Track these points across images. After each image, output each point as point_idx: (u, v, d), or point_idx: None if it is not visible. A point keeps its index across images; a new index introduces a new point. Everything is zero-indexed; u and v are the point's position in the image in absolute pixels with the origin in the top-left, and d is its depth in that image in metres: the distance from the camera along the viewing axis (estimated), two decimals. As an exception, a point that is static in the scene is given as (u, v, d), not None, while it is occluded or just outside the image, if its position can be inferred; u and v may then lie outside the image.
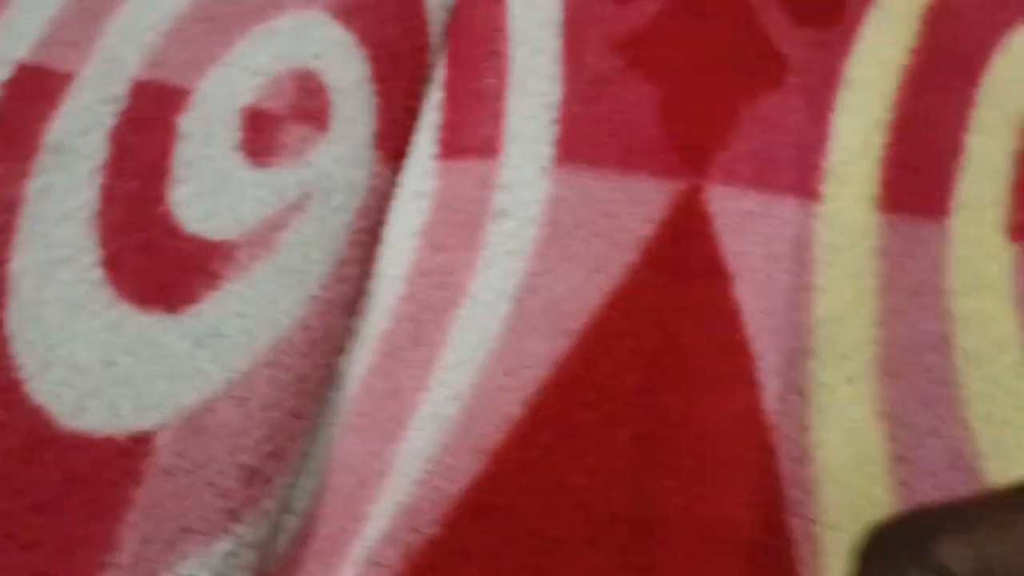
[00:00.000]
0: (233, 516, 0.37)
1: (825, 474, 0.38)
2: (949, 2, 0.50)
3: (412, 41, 0.51)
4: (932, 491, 0.38)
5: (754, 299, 0.41)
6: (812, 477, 0.38)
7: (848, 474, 0.38)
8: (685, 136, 0.46)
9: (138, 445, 0.37)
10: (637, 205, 0.45)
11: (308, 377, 0.41)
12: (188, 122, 0.45)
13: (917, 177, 0.45)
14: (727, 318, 0.41)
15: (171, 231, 0.42)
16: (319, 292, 0.43)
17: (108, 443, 0.37)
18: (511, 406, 0.40)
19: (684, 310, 0.42)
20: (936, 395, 0.40)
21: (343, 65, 0.48)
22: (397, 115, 0.49)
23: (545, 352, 0.41)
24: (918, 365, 0.40)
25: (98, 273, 0.41)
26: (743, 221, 0.44)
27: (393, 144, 0.48)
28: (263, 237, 0.43)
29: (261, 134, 0.46)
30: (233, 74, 0.47)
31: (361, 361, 0.42)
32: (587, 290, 0.42)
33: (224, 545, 0.37)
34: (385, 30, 0.50)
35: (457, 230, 0.45)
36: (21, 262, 0.41)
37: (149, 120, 0.45)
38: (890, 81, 0.48)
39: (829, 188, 0.45)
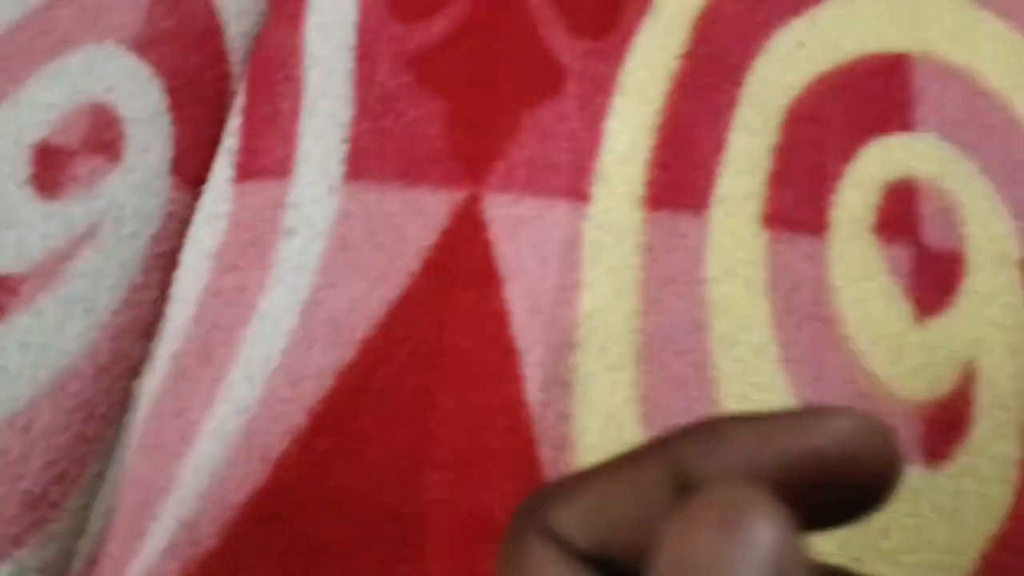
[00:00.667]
0: (15, 541, 0.38)
1: (584, 458, 0.40)
2: (717, 9, 0.54)
3: (212, 70, 0.53)
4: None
5: (522, 299, 0.44)
6: (571, 462, 0.40)
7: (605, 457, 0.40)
8: (467, 147, 0.49)
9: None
10: (420, 216, 0.47)
11: (98, 402, 0.42)
12: (-24, 161, 0.46)
13: (681, 175, 0.48)
14: (496, 319, 0.43)
15: (-44, 268, 0.43)
16: (109, 319, 0.44)
17: None
18: (294, 417, 0.42)
19: (458, 314, 0.44)
20: (690, 377, 0.43)
21: (137, 97, 0.50)
22: (196, 142, 0.51)
23: (328, 363, 0.43)
24: (674, 350, 0.43)
25: None
26: (516, 226, 0.46)
27: (192, 170, 0.50)
28: (50, 268, 0.44)
29: (51, 168, 0.47)
30: (23, 111, 0.48)
31: (152, 382, 0.44)
32: (370, 301, 0.44)
33: (6, 569, 0.38)
34: (183, 60, 0.52)
35: (248, 250, 0.47)
36: None
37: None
38: (660, 86, 0.51)
39: (599, 190, 0.47)
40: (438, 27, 0.53)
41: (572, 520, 0.22)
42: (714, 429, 0.22)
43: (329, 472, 0.41)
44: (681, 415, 0.42)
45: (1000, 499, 0.40)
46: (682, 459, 0.22)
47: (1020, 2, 0.55)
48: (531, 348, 0.42)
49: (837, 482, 0.21)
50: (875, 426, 0.21)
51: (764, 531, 0.18)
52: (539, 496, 0.24)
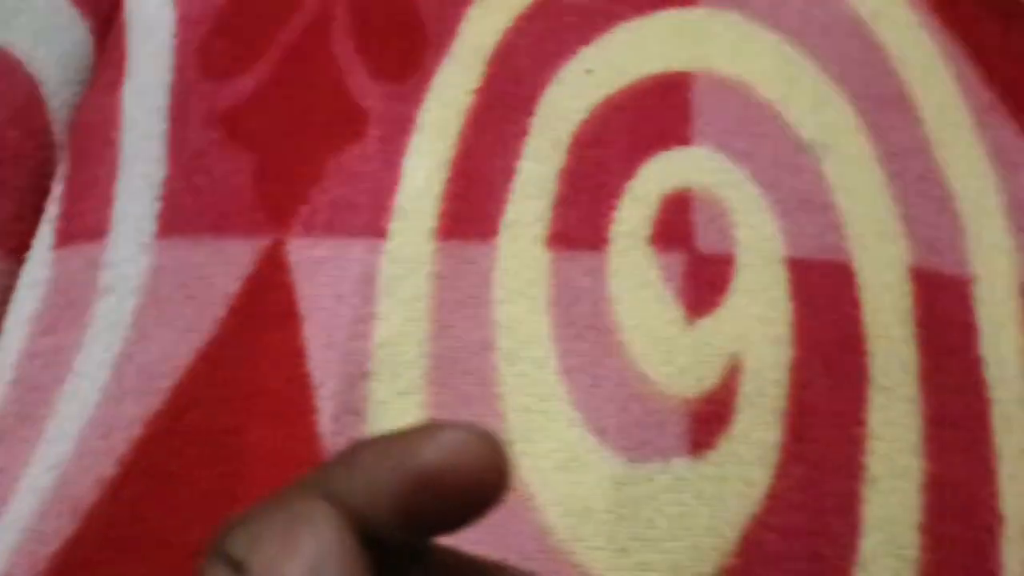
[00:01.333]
0: None
1: (377, 480, 0.43)
2: (511, 44, 0.57)
3: (33, 141, 0.55)
4: (468, 479, 0.43)
5: (318, 335, 0.47)
6: (363, 485, 0.43)
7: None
8: (273, 196, 0.52)
9: None
10: (227, 265, 0.50)
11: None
12: None
13: (471, 205, 0.51)
14: (295, 356, 0.46)
15: None
16: (-70, 390, 0.46)
17: None
18: (105, 467, 0.44)
19: (263, 355, 0.47)
20: (476, 395, 0.46)
21: (-42, 173, 0.52)
22: (20, 213, 0.53)
23: (138, 412, 0.46)
24: (462, 371, 0.46)
25: None
26: (317, 267, 0.49)
27: (16, 241, 0.52)
28: None
29: None
30: None
31: (-24, 447, 0.46)
32: (179, 350, 0.47)
33: None
34: (3, 133, 0.54)
35: (66, 312, 0.49)
36: None
37: None
38: (455, 122, 0.54)
39: (396, 225, 0.51)
40: (247, 84, 0.56)
41: (236, 539, 0.25)
42: (350, 453, 0.25)
43: (140, 516, 0.43)
44: (467, 431, 0.45)
45: (760, 481, 0.44)
46: (329, 483, 0.25)
47: (792, 17, 0.59)
48: (325, 381, 0.45)
49: (447, 491, 0.24)
50: (479, 437, 0.25)
51: (312, 539, 0.21)
52: (224, 525, 0.27)
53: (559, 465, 0.44)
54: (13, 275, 0.51)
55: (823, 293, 0.49)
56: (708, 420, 0.45)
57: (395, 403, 0.46)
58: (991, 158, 0.53)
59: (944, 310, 0.48)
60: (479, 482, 0.25)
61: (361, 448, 0.25)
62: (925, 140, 0.54)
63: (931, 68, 0.57)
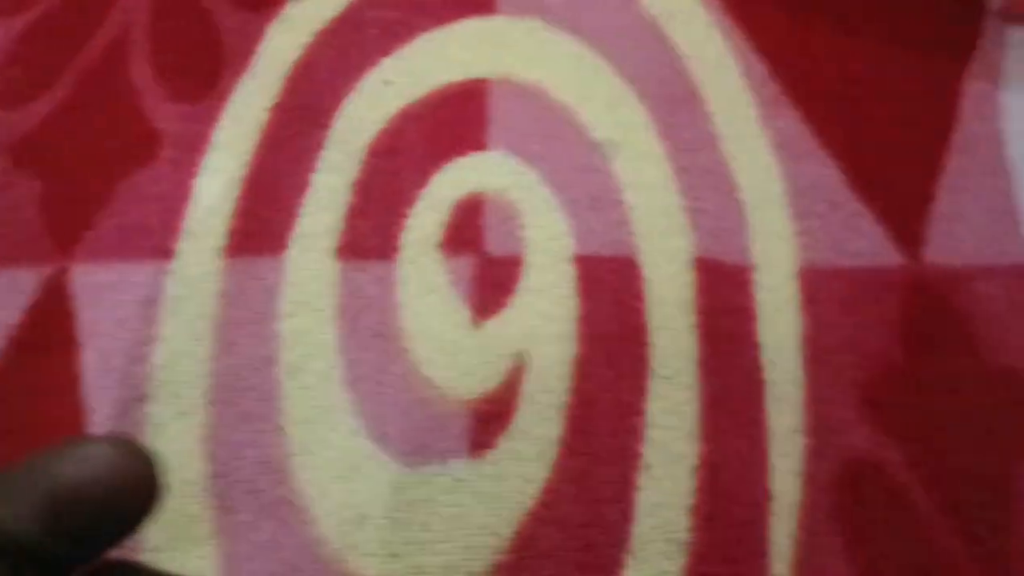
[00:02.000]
0: None
1: (152, 503, 0.43)
2: (311, 59, 0.58)
3: None
4: (246, 497, 0.43)
5: (96, 361, 0.46)
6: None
7: (175, 497, 0.43)
8: (59, 223, 0.51)
9: None
10: (13, 295, 0.49)
11: None
12: None
13: (262, 221, 0.51)
14: (70, 384, 0.46)
15: None
16: None
17: None
18: None
19: (40, 385, 0.46)
20: (257, 411, 0.46)
21: None
22: None
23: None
24: (243, 387, 0.46)
25: None
26: (99, 293, 0.49)
27: None
28: None
29: None
30: None
31: None
32: (-43, 384, 0.46)
33: None
34: None
35: None
36: None
37: None
38: (250, 139, 0.54)
39: (184, 245, 0.50)
40: (39, 111, 0.55)
41: None
42: (6, 473, 0.25)
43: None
44: (247, 447, 0.45)
45: (537, 477, 0.44)
46: None
47: (590, 21, 0.60)
48: (99, 407, 0.45)
49: (90, 505, 0.24)
50: (123, 449, 0.25)
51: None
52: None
53: (338, 475, 0.44)
54: None
55: (609, 288, 0.50)
56: (488, 420, 0.46)
57: (173, 424, 0.45)
58: (775, 148, 0.55)
59: (724, 298, 0.50)
60: (123, 494, 0.25)
61: (14, 468, 0.25)
62: (713, 135, 0.56)
63: (721, 65, 0.58)
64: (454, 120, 0.56)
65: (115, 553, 0.25)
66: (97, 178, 0.53)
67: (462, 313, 0.49)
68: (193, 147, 0.54)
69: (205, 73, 0.57)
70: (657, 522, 0.43)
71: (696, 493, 0.44)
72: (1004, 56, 0.59)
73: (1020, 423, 0.46)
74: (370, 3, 0.60)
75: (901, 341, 0.48)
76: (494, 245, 0.51)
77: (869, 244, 0.52)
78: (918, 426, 0.46)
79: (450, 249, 0.51)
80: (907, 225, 0.52)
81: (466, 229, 0.52)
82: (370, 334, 0.48)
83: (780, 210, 0.53)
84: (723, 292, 0.50)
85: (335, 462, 0.44)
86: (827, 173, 0.54)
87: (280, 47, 0.58)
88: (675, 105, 0.57)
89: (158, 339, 0.47)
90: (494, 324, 0.49)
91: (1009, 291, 0.50)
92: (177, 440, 0.45)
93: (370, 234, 0.51)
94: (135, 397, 0.45)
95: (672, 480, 0.44)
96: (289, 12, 0.60)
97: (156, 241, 0.51)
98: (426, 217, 0.52)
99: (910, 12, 0.61)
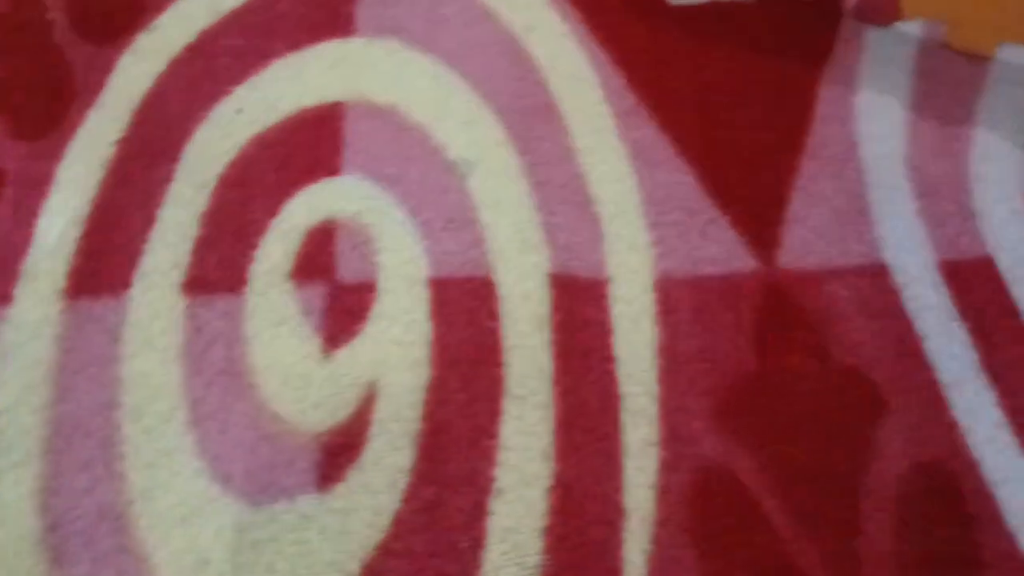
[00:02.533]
0: None
1: (-17, 561, 0.41)
2: (162, 90, 0.56)
3: None
4: (82, 549, 0.42)
5: (-76, 416, 0.45)
6: (-34, 569, 0.41)
7: (5, 554, 0.42)
8: None
9: None
10: None
11: None
12: None
13: (103, 261, 0.50)
14: None
15: None
16: None
17: None
18: None
19: None
20: (96, 458, 0.44)
21: None
22: None
23: None
24: (82, 433, 0.45)
25: None
26: (-68, 342, 0.47)
27: None
28: None
29: None
30: None
31: None
32: None
33: None
34: None
35: None
36: None
37: None
38: (94, 176, 0.53)
39: (23, 289, 0.49)
40: None
41: None
42: None
43: None
44: (85, 496, 0.43)
45: (387, 508, 0.43)
46: None
47: (449, 39, 0.60)
48: (-74, 464, 0.43)
49: None
50: None
51: None
52: None
53: (180, 519, 0.43)
54: None
55: (464, 310, 0.49)
56: (338, 452, 0.45)
57: (8, 475, 0.43)
58: (632, 158, 0.55)
59: (580, 313, 0.49)
60: None
61: None
62: (570, 148, 0.55)
63: (579, 77, 0.58)
64: (308, 146, 0.55)
65: None
66: (-68, 224, 0.51)
67: (312, 344, 0.48)
68: (35, 186, 0.52)
69: (51, 108, 0.56)
70: (509, 547, 0.43)
71: (549, 515, 0.44)
72: (860, 58, 0.60)
73: (866, 422, 0.46)
74: (223, 31, 0.59)
75: (754, 347, 0.49)
76: (346, 272, 0.50)
77: (724, 250, 0.52)
78: (769, 432, 0.46)
79: (301, 278, 0.50)
80: (762, 230, 0.53)
81: (318, 257, 0.51)
82: (216, 371, 0.47)
83: (637, 221, 0.53)
84: (579, 307, 0.50)
85: (176, 507, 0.43)
86: (684, 181, 0.54)
87: (130, 79, 0.57)
88: (532, 119, 0.56)
89: (-9, 389, 0.46)
90: (345, 353, 0.48)
91: (858, 291, 0.50)
92: (13, 491, 0.43)
93: (218, 267, 0.50)
94: (-36, 452, 0.44)
95: (525, 503, 0.44)
96: (140, 43, 0.59)
97: (-7, 286, 0.49)
98: (276, 247, 0.51)
99: (767, 18, 0.61)
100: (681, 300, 0.50)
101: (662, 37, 0.60)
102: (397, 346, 0.48)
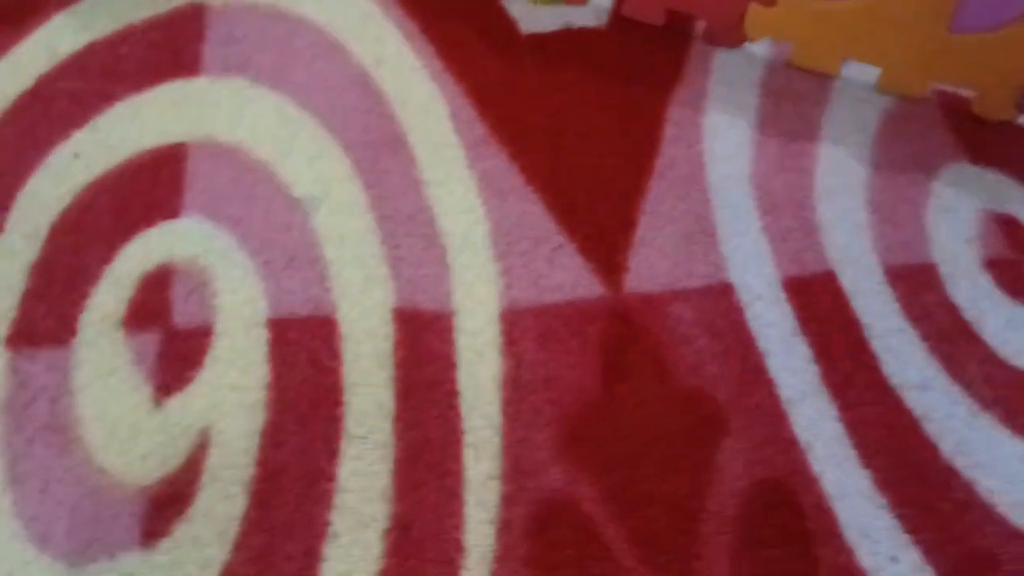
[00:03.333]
0: None
1: None
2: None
3: None
4: None
5: None
6: None
7: None
8: None
9: None
10: None
11: None
12: None
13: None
14: None
15: None
16: None
17: None
18: None
19: None
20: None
21: None
22: None
23: None
24: None
25: None
26: None
27: None
28: None
29: None
30: None
31: None
32: None
33: None
34: None
35: None
36: None
37: None
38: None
39: None
40: None
41: None
42: None
43: None
44: None
45: (216, 561, 0.42)
46: None
47: (297, 74, 0.59)
48: None
49: None
50: None
51: None
52: None
53: (-8, 586, 0.41)
54: None
55: (304, 350, 0.48)
56: (165, 505, 0.43)
57: None
58: (480, 189, 0.55)
59: (424, 348, 0.49)
60: None
61: None
62: (418, 180, 0.55)
63: (429, 109, 0.58)
64: (147, 189, 0.54)
65: None
66: None
67: (143, 393, 0.46)
68: None
69: None
70: (342, 593, 0.42)
71: (385, 557, 0.43)
72: (708, 80, 0.60)
73: (707, 444, 0.46)
74: (63, 74, 0.58)
75: (599, 373, 0.48)
76: (182, 317, 0.49)
77: (571, 277, 0.52)
78: (612, 459, 0.46)
79: (134, 326, 0.48)
80: (609, 255, 0.53)
81: (153, 303, 0.49)
82: (38, 426, 0.45)
83: (484, 252, 0.52)
84: (423, 342, 0.49)
85: (-11, 573, 0.41)
86: (532, 210, 0.54)
87: (-39, 129, 0.55)
88: (380, 153, 0.56)
89: None
90: (177, 401, 0.46)
91: (703, 312, 0.50)
92: None
93: (46, 318, 0.48)
94: None
95: (361, 546, 0.43)
96: (-27, 92, 0.57)
97: None
98: (109, 294, 0.49)
99: (618, 44, 0.62)
100: (527, 330, 0.50)
101: (514, 67, 0.60)
102: (232, 391, 0.47)
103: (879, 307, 0.51)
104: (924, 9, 0.54)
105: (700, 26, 0.63)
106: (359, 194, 0.54)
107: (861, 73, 0.60)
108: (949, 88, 0.59)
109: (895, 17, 0.55)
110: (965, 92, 0.59)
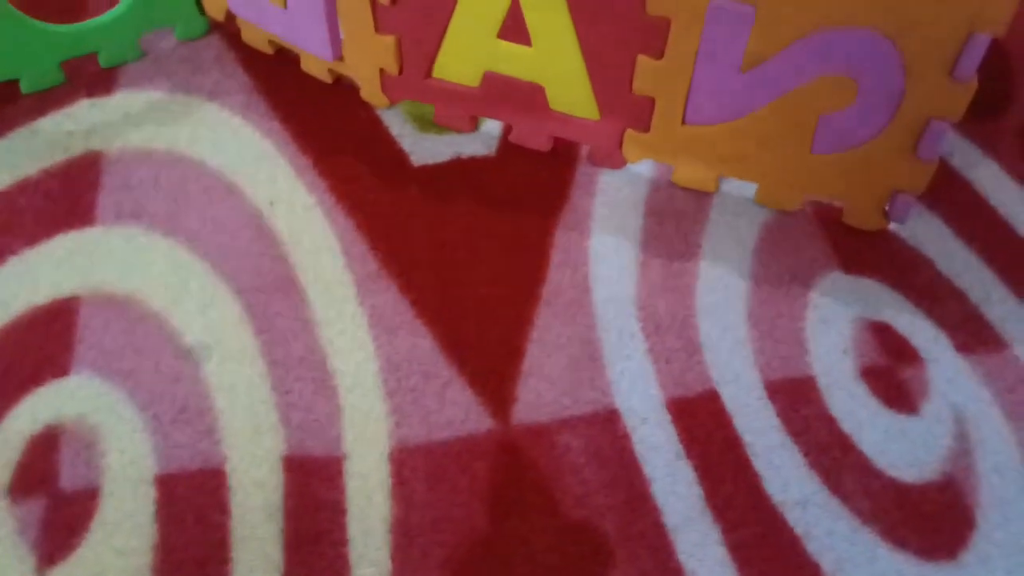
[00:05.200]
0: None
1: None
2: None
3: None
4: None
5: None
6: None
7: None
8: None
9: None
10: None
11: None
12: None
13: None
14: None
15: None
16: None
17: None
18: None
19: None
20: None
21: None
22: None
23: None
24: None
25: None
26: None
27: None
28: None
29: None
30: None
31: None
32: None
33: None
34: None
35: None
36: None
37: None
38: None
39: None
40: None
41: None
42: None
43: None
44: None
45: None
46: None
47: (190, 220, 0.60)
48: None
49: None
50: None
51: None
52: None
53: None
54: None
55: (192, 506, 0.48)
56: None
57: None
58: (371, 326, 0.56)
59: (314, 495, 0.49)
60: None
61: None
62: (310, 321, 0.56)
63: (321, 247, 0.59)
64: (37, 346, 0.54)
65: None
66: None
67: (27, 564, 0.46)
68: None
69: None
70: None
71: None
72: (594, 203, 0.63)
73: (591, 580, 0.47)
74: (-47, 232, 0.59)
75: (488, 510, 0.49)
76: (69, 480, 0.49)
77: (460, 412, 0.52)
78: (499, 600, 0.46)
79: (19, 493, 0.48)
80: (498, 386, 0.54)
81: (39, 467, 0.49)
82: (-84, 609, 0.44)
83: (374, 391, 0.53)
84: (313, 489, 0.49)
85: None
86: (422, 344, 0.55)
87: None
88: (272, 296, 0.57)
89: None
90: (62, 571, 0.46)
91: (589, 440, 0.51)
92: None
93: (-71, 491, 0.48)
94: None
95: None
96: None
97: None
98: (-6, 461, 0.49)
99: (506, 171, 0.64)
100: (416, 469, 0.50)
101: (405, 199, 0.62)
102: (118, 556, 0.46)
103: (760, 423, 0.52)
104: (788, 132, 0.57)
105: (585, 149, 0.65)
106: (250, 340, 0.55)
107: (739, 188, 0.63)
108: (824, 199, 0.62)
109: (763, 138, 0.58)
110: (838, 202, 0.62)
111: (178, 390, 0.53)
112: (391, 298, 0.57)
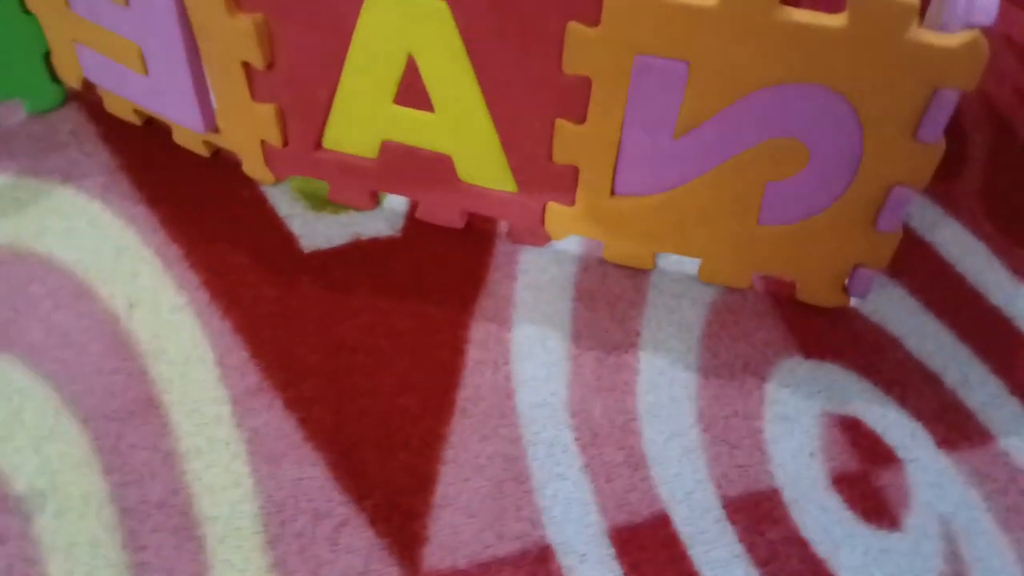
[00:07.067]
0: None
1: None
2: None
3: None
4: None
5: None
6: None
7: None
8: None
9: None
10: None
11: None
12: None
13: None
14: None
15: None
16: None
17: None
18: None
19: None
20: None
21: None
22: None
23: None
24: None
25: None
26: None
27: None
28: None
29: None
30: None
31: None
32: None
33: None
34: None
35: None
36: None
37: None
38: None
39: None
40: None
41: None
42: None
43: None
44: None
45: None
46: None
47: (32, 330, 0.50)
48: None
49: None
50: None
51: None
52: None
53: None
54: None
55: None
56: None
57: None
58: (250, 454, 0.46)
59: None
60: None
61: None
62: (171, 453, 0.46)
63: (190, 357, 0.49)
64: None
65: None
66: None
67: None
68: None
69: None
70: None
71: None
72: (515, 287, 0.54)
73: None
74: None
75: None
76: None
77: (360, 560, 0.43)
78: None
79: None
80: (405, 524, 0.44)
81: None
82: None
83: (251, 539, 0.43)
84: None
85: None
86: (311, 474, 0.46)
87: None
88: (125, 424, 0.47)
89: None
90: None
91: (516, 589, 0.42)
92: None
93: None
94: None
95: None
96: None
97: None
98: None
99: (413, 253, 0.55)
100: (303, 641, 0.40)
101: (294, 293, 0.53)
102: None
103: (719, 552, 0.44)
104: (731, 203, 0.49)
105: (504, 225, 0.57)
106: (96, 482, 0.45)
107: (680, 264, 0.55)
108: (775, 274, 0.55)
109: (703, 210, 0.50)
110: (790, 278, 0.54)
111: (3, 552, 0.42)
112: (275, 418, 0.48)
